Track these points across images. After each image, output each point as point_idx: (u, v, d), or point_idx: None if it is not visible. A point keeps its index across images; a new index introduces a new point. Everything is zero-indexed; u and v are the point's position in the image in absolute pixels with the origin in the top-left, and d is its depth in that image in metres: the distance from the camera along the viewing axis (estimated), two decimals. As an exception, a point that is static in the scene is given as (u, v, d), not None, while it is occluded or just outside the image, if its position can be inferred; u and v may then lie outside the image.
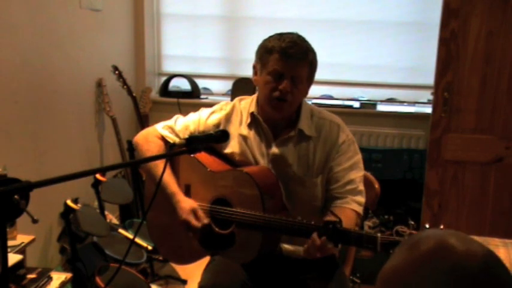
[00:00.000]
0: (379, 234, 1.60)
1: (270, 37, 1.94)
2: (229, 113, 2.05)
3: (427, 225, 1.57)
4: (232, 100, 2.12)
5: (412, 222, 1.58)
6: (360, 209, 1.94)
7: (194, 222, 1.90)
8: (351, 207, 1.91)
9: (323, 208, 1.98)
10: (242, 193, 1.90)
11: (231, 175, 1.96)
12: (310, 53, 1.91)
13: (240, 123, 2.02)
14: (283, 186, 1.95)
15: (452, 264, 0.78)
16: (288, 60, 1.86)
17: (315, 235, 1.68)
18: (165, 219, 2.03)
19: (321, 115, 2.01)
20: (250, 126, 2.01)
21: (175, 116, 2.13)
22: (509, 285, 0.79)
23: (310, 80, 1.96)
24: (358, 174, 1.97)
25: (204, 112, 2.09)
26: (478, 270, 0.77)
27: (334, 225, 1.67)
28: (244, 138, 2.01)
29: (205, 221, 1.92)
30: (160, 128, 2.10)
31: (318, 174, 1.96)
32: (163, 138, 2.08)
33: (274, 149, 1.97)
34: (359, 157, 2.00)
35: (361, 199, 1.96)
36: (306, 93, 1.97)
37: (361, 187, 1.97)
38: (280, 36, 1.91)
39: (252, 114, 2.00)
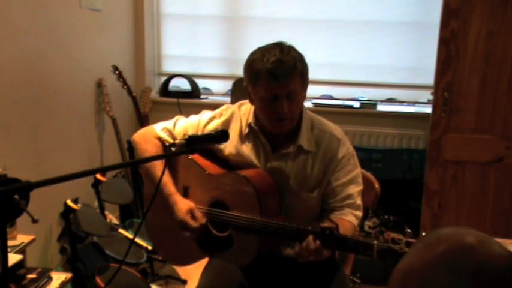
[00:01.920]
0: (375, 242, 1.60)
1: (254, 55, 1.85)
2: (228, 120, 2.02)
3: (424, 234, 1.58)
4: (232, 101, 2.11)
5: (409, 230, 1.59)
6: (356, 223, 1.92)
7: (191, 222, 1.90)
8: (348, 219, 1.89)
9: (318, 216, 1.96)
10: (240, 196, 1.89)
11: (228, 178, 1.95)
12: (297, 64, 1.80)
13: (240, 131, 1.99)
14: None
15: (476, 264, 0.77)
16: (277, 81, 1.78)
17: (310, 238, 1.68)
18: (163, 220, 2.03)
19: (321, 127, 1.96)
20: (248, 136, 1.97)
21: (176, 118, 2.11)
22: None
23: (305, 86, 1.88)
24: (356, 189, 1.94)
25: (204, 116, 2.06)
26: (501, 272, 0.77)
27: (331, 231, 1.66)
28: (242, 148, 1.98)
29: (203, 220, 1.91)
30: (159, 129, 2.08)
31: (314, 188, 1.93)
32: (161, 139, 2.07)
33: (272, 163, 1.94)
34: (358, 171, 1.97)
35: (359, 213, 1.94)
36: (304, 98, 1.91)
37: (359, 201, 1.95)
38: (263, 55, 1.80)
39: (249, 126, 1.97)
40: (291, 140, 1.93)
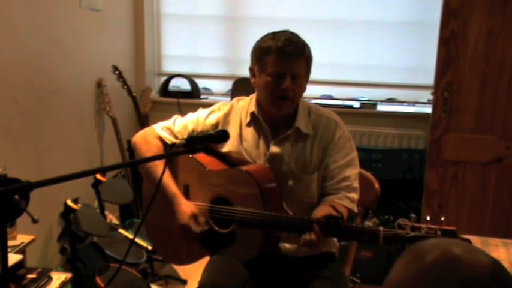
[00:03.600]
0: (381, 228, 1.62)
1: (264, 38, 1.94)
2: (228, 113, 2.06)
3: (428, 218, 1.59)
4: (231, 100, 2.13)
5: (414, 215, 1.60)
6: (352, 206, 1.96)
7: (194, 227, 1.92)
8: (342, 203, 1.92)
9: (317, 203, 1.99)
10: (242, 192, 1.91)
11: (230, 174, 1.97)
12: (306, 48, 1.93)
13: (239, 123, 2.03)
14: (280, 183, 1.96)
15: (462, 276, 0.78)
16: (286, 58, 1.87)
17: (316, 228, 1.70)
18: (163, 220, 2.03)
19: (318, 112, 2.03)
20: (249, 125, 2.02)
21: (174, 117, 2.14)
22: None
23: (307, 74, 1.97)
24: (353, 172, 1.99)
25: (202, 112, 2.10)
26: (487, 282, 0.78)
27: (336, 220, 1.68)
28: (243, 138, 2.02)
29: (205, 227, 1.93)
30: (159, 128, 2.10)
31: (314, 171, 1.97)
32: (161, 139, 2.09)
33: (273, 148, 1.98)
34: (355, 154, 2.02)
35: (355, 196, 1.97)
36: (305, 88, 1.98)
37: (356, 184, 1.99)
38: (274, 35, 1.91)
39: (252, 114, 2.01)
40: (289, 125, 1.99)
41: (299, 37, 1.94)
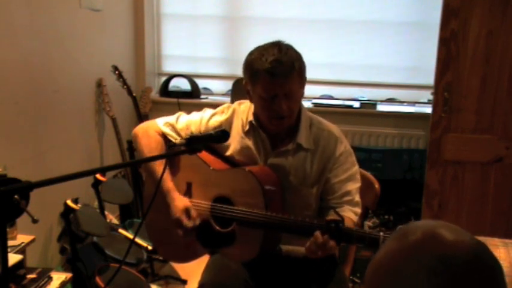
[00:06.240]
0: (381, 233, 1.61)
1: (253, 54, 1.87)
2: (230, 118, 2.04)
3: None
4: (232, 101, 2.12)
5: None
6: (356, 219, 1.94)
7: (185, 221, 1.91)
8: (347, 215, 1.89)
9: (316, 215, 1.97)
10: (244, 192, 1.90)
11: (233, 174, 1.97)
12: (295, 63, 1.83)
13: (242, 128, 2.01)
14: None
15: (441, 253, 0.78)
16: (276, 80, 1.81)
17: (317, 233, 1.69)
18: (163, 218, 2.03)
19: (320, 126, 1.99)
20: (248, 133, 2.00)
21: (178, 113, 2.11)
22: (496, 274, 0.80)
23: (302, 83, 1.91)
24: (354, 186, 1.97)
25: (206, 113, 2.07)
26: (466, 259, 0.78)
27: (336, 224, 1.68)
28: (243, 145, 2.00)
29: (197, 221, 1.92)
30: (162, 124, 2.07)
31: (313, 184, 1.96)
32: (163, 135, 2.07)
33: (272, 159, 1.97)
34: (356, 169, 2.00)
35: (358, 210, 1.96)
36: (302, 96, 1.94)
37: (358, 198, 1.97)
38: (261, 55, 1.83)
39: (250, 123, 1.99)
40: (290, 137, 1.96)
41: (288, 50, 1.84)
